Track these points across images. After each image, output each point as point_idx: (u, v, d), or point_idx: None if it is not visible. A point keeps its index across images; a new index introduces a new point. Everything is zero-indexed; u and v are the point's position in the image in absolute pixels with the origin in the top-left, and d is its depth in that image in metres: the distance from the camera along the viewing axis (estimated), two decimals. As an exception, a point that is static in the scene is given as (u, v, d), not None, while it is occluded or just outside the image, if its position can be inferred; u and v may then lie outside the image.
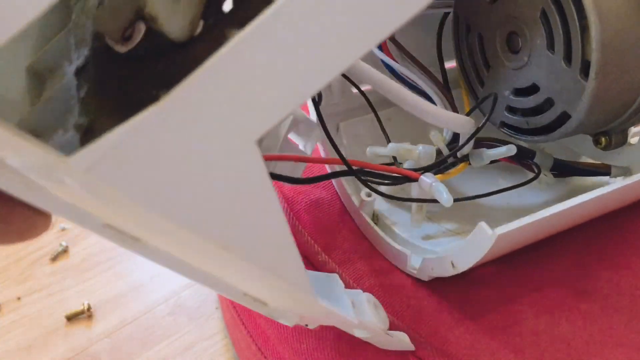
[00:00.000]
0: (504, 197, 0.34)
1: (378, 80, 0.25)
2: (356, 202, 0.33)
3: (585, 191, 0.32)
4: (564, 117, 0.27)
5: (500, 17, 0.29)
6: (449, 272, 0.28)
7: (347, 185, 0.34)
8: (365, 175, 0.29)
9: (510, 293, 0.30)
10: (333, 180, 0.36)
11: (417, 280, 0.31)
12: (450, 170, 0.30)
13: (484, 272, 0.31)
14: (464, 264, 0.27)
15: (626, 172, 0.31)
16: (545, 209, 0.26)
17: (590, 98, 0.25)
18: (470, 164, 0.30)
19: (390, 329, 0.28)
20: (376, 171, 0.29)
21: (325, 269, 0.32)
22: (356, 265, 0.32)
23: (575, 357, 0.27)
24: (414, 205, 0.32)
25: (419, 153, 0.30)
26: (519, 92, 0.30)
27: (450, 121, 0.28)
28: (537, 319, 0.29)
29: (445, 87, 0.31)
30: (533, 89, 0.29)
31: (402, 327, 0.29)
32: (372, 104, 0.34)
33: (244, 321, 0.36)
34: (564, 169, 0.33)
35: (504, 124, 0.31)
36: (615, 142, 0.29)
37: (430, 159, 0.30)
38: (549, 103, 0.28)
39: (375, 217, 0.33)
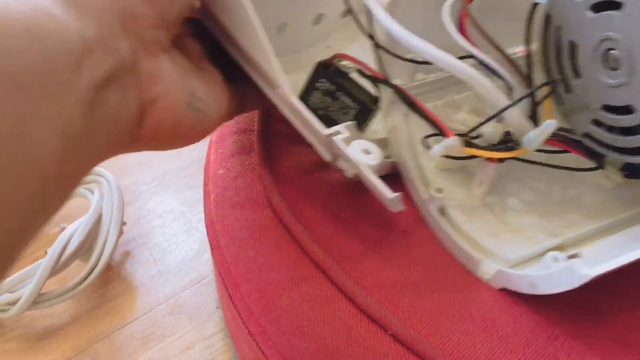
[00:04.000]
0: (569, 196, 0.34)
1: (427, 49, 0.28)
2: (424, 195, 0.33)
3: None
4: None
5: (602, 32, 0.27)
6: (526, 291, 0.28)
7: (416, 179, 0.34)
8: (416, 111, 0.31)
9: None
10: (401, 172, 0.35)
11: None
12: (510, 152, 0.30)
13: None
14: (545, 290, 0.27)
15: None
16: None
17: None
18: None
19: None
20: (423, 111, 0.30)
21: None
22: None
23: None
24: (475, 180, 0.32)
25: (486, 130, 0.30)
26: (610, 109, 0.28)
27: (486, 88, 0.28)
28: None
29: (527, 77, 0.31)
30: (626, 110, 0.27)
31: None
32: (444, 88, 0.36)
33: (245, 320, 0.36)
34: (636, 171, 0.32)
35: (588, 136, 0.30)
36: None
37: (493, 139, 0.31)
38: None
39: (442, 212, 0.33)
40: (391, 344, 0.28)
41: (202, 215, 0.44)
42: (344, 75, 0.35)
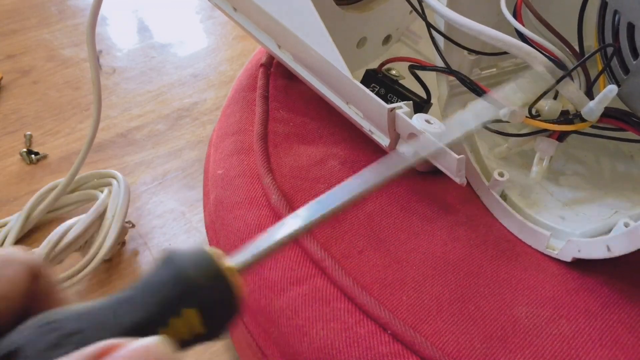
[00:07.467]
0: (619, 172, 0.35)
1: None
2: (485, 181, 0.35)
3: None
4: None
5: None
6: (601, 255, 0.28)
7: (476, 165, 0.36)
8: (471, 89, 0.33)
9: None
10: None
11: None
12: (570, 125, 0.32)
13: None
14: (624, 249, 0.27)
15: None
16: None
17: None
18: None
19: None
20: (476, 85, 0.33)
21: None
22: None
23: None
24: (535, 159, 0.33)
25: (545, 106, 0.32)
26: None
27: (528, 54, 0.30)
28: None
29: (581, 56, 0.32)
30: None
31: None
32: (500, 83, 0.37)
33: (245, 320, 0.36)
34: None
35: None
36: None
37: (553, 115, 0.32)
38: None
39: (504, 196, 0.35)
40: (390, 344, 0.28)
41: (202, 215, 0.44)
42: (393, 81, 0.37)
